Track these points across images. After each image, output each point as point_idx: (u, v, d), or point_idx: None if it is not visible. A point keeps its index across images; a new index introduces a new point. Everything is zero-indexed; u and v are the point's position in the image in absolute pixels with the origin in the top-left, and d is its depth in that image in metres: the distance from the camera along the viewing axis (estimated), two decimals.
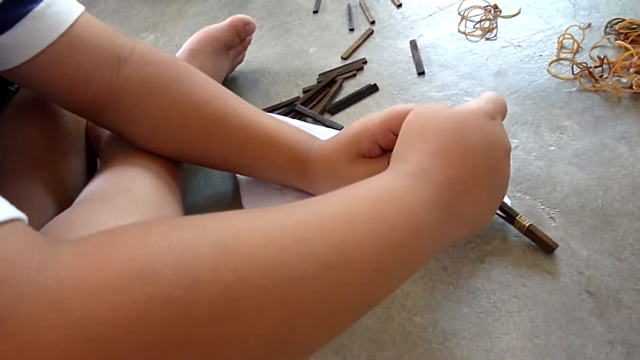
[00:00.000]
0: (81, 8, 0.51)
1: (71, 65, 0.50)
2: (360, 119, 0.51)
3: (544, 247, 0.48)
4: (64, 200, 0.53)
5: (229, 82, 0.76)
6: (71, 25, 0.49)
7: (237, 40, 0.72)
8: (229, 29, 0.71)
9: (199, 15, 0.94)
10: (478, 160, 0.38)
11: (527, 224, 0.48)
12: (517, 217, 0.49)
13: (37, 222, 0.49)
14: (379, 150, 0.49)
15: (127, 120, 0.53)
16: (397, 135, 0.41)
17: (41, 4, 0.47)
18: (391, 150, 0.42)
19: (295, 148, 0.52)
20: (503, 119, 0.44)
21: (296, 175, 0.53)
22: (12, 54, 0.47)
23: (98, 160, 0.63)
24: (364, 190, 0.33)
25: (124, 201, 0.47)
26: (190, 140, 0.54)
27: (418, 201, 0.34)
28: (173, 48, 0.88)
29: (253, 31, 0.74)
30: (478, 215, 0.40)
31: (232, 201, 0.59)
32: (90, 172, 0.61)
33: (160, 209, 0.48)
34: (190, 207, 0.59)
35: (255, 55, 0.80)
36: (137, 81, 0.52)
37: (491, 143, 0.40)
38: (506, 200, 0.52)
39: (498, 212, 0.50)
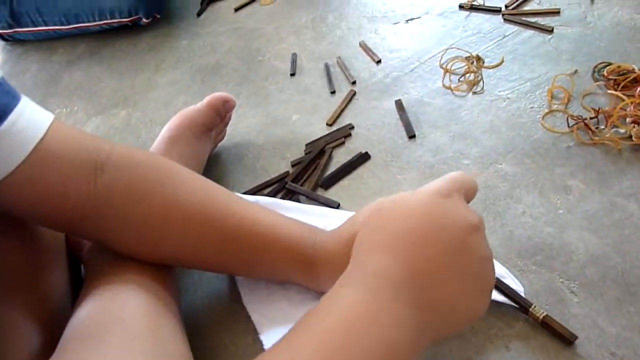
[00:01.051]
0: (50, 117, 0.47)
1: (44, 182, 0.46)
2: (368, 206, 0.47)
3: (563, 339, 0.46)
4: (50, 321, 0.49)
5: (212, 160, 0.72)
6: (41, 140, 0.45)
7: (218, 120, 0.69)
8: (208, 109, 0.67)
9: (171, 85, 0.91)
10: (436, 245, 0.35)
11: (542, 316, 0.46)
12: (531, 308, 0.46)
13: (24, 353, 0.45)
14: None
15: (109, 230, 0.49)
16: None
17: (5, 123, 0.42)
18: None
19: (298, 245, 0.49)
20: (471, 197, 0.41)
21: (301, 274, 0.49)
22: None
23: (82, 266, 0.59)
24: (335, 321, 0.32)
25: (118, 338, 0.42)
26: (180, 246, 0.50)
27: (386, 316, 0.32)
28: (147, 124, 0.84)
29: (233, 108, 0.71)
30: (460, 306, 0.36)
31: (231, 300, 0.55)
32: (75, 279, 0.57)
33: (158, 337, 0.44)
34: (186, 310, 0.55)
35: (236, 128, 0.77)
36: (117, 189, 0.48)
37: (447, 224, 0.36)
38: (517, 285, 0.49)
39: (510, 302, 0.47)
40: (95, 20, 1.01)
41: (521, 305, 0.47)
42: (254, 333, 0.51)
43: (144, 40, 1.03)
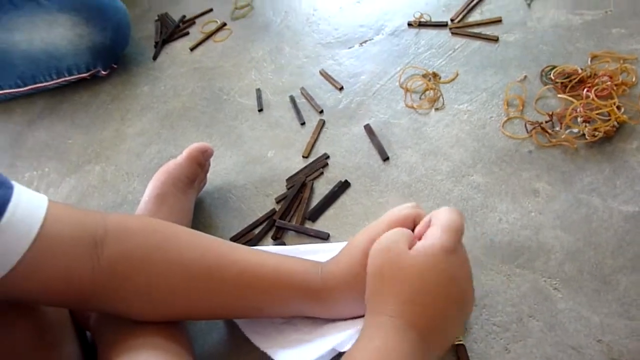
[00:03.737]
0: (44, 201, 0.48)
1: (50, 268, 0.47)
2: (362, 231, 0.51)
3: None
4: None
5: (198, 207, 0.74)
6: (41, 227, 0.46)
7: (199, 170, 0.71)
8: (189, 162, 0.70)
9: (140, 135, 0.92)
10: (446, 295, 0.45)
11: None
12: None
13: None
14: None
15: (118, 301, 0.51)
16: None
17: (5, 215, 0.44)
18: None
19: (305, 280, 0.52)
20: (462, 235, 0.47)
21: (311, 306, 0.53)
22: None
23: (88, 333, 0.60)
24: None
25: None
26: (189, 303, 0.53)
27: (410, 353, 0.42)
28: (124, 177, 0.85)
29: (211, 155, 0.73)
30: (452, 332, 0.48)
31: (242, 343, 0.58)
32: (85, 352, 0.58)
33: None
34: (199, 356, 0.57)
35: (215, 171, 0.79)
36: (120, 262, 0.50)
37: (455, 277, 0.45)
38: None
39: None
40: (53, 79, 1.00)
41: None
42: None
43: (104, 91, 1.04)
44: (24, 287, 0.46)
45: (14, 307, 0.54)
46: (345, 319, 0.53)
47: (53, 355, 0.55)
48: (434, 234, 0.45)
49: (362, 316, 0.48)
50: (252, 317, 0.57)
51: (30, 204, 0.46)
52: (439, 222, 0.46)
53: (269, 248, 0.64)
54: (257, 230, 0.69)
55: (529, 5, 0.83)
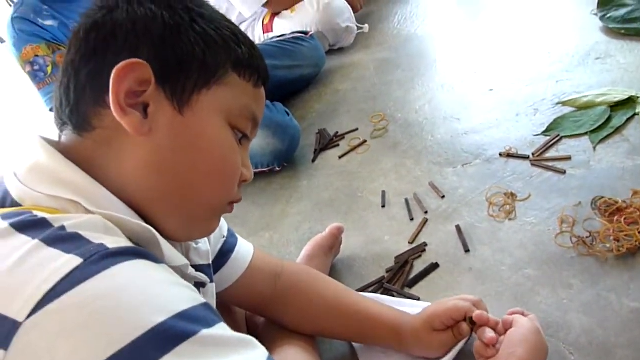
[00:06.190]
0: (252, 247, 0.87)
1: (249, 286, 0.84)
2: (435, 303, 0.81)
3: None
4: None
5: (332, 269, 1.09)
6: (250, 262, 0.84)
7: (337, 242, 1.07)
8: (330, 236, 1.06)
9: (299, 215, 1.31)
10: (542, 353, 0.71)
11: None
12: None
13: None
14: (444, 326, 0.78)
15: (283, 314, 0.86)
16: (455, 321, 0.75)
17: (234, 253, 0.82)
18: (451, 327, 0.75)
19: (395, 325, 0.82)
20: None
21: (396, 343, 0.82)
22: (222, 283, 0.81)
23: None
24: None
25: None
26: (327, 325, 0.85)
27: None
28: (285, 243, 1.24)
29: (343, 232, 1.09)
30: None
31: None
32: None
33: None
34: None
35: (346, 245, 1.14)
36: (289, 289, 0.86)
37: (544, 343, 0.72)
38: None
39: None
40: None
41: None
42: None
43: (276, 181, 1.47)
44: (234, 294, 0.84)
45: (222, 305, 0.92)
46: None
47: None
48: (532, 322, 0.74)
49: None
50: (358, 342, 0.88)
51: (244, 247, 0.85)
52: (531, 316, 0.76)
53: (381, 296, 0.96)
54: (370, 289, 1.01)
55: (594, 148, 1.09)
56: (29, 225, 0.43)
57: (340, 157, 1.47)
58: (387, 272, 1.04)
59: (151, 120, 0.52)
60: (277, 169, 1.48)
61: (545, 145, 1.15)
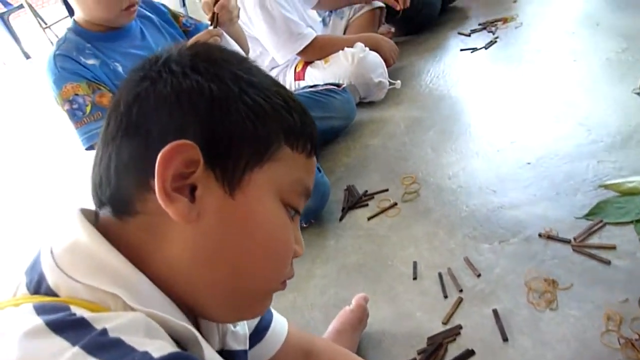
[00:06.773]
0: (286, 322, 0.84)
1: (284, 358, 0.81)
2: None
3: None
4: None
5: (359, 342, 1.04)
6: (285, 338, 0.81)
7: (364, 315, 1.04)
8: (358, 308, 1.03)
9: (324, 277, 1.27)
10: None
11: None
12: None
13: None
14: None
15: None
16: None
17: (269, 331, 0.79)
18: None
19: None
20: None
21: None
22: (258, 357, 0.78)
23: None
24: None
25: None
26: None
27: None
28: (308, 307, 1.19)
29: (368, 302, 1.06)
30: None
31: None
32: None
33: None
34: None
35: (374, 318, 1.09)
36: None
37: None
38: None
39: None
40: None
41: None
42: None
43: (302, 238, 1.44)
44: None
45: None
46: None
47: None
48: None
49: None
50: None
51: (279, 323, 0.82)
52: None
53: None
54: None
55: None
56: (67, 327, 0.39)
57: (369, 219, 1.44)
58: (418, 353, 0.99)
59: (199, 205, 0.49)
60: (304, 225, 1.45)
61: (587, 230, 1.12)
